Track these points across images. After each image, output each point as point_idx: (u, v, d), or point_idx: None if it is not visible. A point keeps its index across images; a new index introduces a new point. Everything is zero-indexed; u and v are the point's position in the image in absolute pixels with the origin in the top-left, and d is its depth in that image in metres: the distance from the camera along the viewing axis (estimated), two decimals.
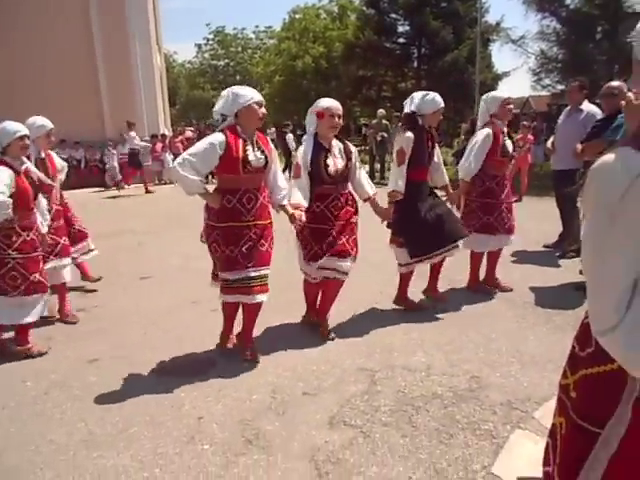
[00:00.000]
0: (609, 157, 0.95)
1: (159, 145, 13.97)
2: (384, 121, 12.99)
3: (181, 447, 2.50)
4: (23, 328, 3.51)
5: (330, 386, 3.01)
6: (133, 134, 12.51)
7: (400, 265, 4.04)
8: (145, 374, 3.24)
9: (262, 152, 3.19)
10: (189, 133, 15.38)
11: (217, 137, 3.07)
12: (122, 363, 3.39)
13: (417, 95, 4.07)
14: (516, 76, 24.25)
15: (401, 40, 26.39)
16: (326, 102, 3.50)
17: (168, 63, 44.32)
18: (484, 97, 4.35)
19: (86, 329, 3.99)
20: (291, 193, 3.39)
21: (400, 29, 26.13)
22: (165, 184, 14.09)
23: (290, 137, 14.55)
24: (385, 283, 4.55)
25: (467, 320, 3.90)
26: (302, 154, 3.45)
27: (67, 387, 3.11)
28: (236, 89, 3.16)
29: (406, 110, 4.02)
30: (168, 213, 9.35)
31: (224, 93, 3.18)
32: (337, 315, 3.89)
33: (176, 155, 14.12)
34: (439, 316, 4.00)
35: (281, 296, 3.94)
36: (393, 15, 25.72)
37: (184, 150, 13.60)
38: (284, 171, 11.14)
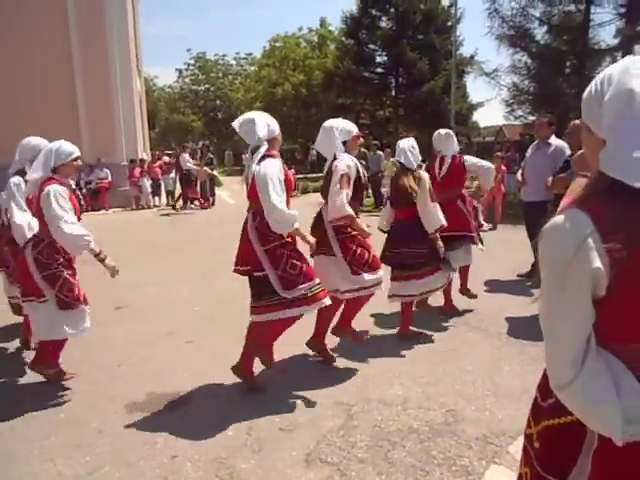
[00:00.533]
0: (559, 218, 1.00)
1: (137, 170, 13.92)
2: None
3: None
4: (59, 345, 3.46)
5: (306, 421, 2.99)
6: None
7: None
8: (118, 409, 3.17)
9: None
10: (166, 158, 15.34)
11: (278, 163, 3.18)
12: (94, 397, 3.32)
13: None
14: (490, 106, 25.05)
15: (379, 70, 27.06)
16: (353, 126, 3.80)
17: (148, 87, 44.48)
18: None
19: (62, 359, 3.88)
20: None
21: (378, 59, 26.81)
22: (142, 209, 13.98)
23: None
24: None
25: (442, 352, 3.93)
26: (350, 168, 3.52)
27: (35, 422, 3.02)
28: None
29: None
30: (144, 239, 9.27)
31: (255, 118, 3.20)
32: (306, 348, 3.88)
33: (154, 180, 14.13)
34: (414, 347, 4.02)
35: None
36: (371, 46, 26.41)
37: (162, 175, 13.63)
38: None
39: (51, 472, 2.58)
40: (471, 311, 4.83)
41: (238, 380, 3.46)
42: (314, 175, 24.31)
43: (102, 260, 3.58)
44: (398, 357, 3.84)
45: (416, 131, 29.06)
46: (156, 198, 14.63)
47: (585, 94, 1.07)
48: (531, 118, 16.37)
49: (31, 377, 3.62)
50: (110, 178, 13.80)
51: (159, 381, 3.53)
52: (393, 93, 26.90)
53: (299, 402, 3.21)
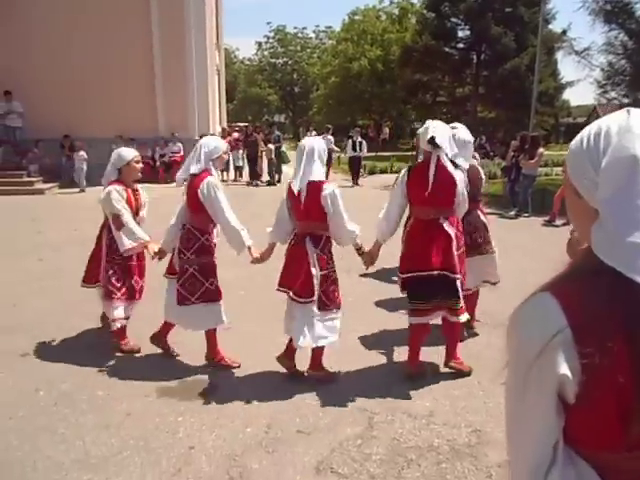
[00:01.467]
0: (532, 305, 0.85)
1: None
2: None
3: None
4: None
5: (326, 425, 2.96)
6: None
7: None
8: (149, 393, 3.30)
9: None
10: (236, 135, 15.66)
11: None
12: (130, 379, 3.47)
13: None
14: (584, 84, 23.16)
15: (460, 45, 25.85)
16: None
17: (229, 59, 45.44)
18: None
19: (104, 340, 4.10)
20: None
21: (460, 34, 25.63)
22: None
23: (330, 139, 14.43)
24: (395, 320, 4.42)
25: (483, 362, 3.73)
26: None
27: (75, 400, 3.21)
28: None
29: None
30: None
31: None
32: (343, 350, 3.79)
33: None
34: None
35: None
36: (454, 19, 25.23)
37: (231, 151, 13.87)
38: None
39: (79, 450, 2.74)
40: None
41: (268, 373, 3.49)
42: (385, 154, 23.86)
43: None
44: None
45: (496, 110, 27.63)
46: (224, 173, 14.99)
47: (573, 146, 0.87)
48: (626, 100, 14.97)
49: (77, 353, 3.85)
50: (182, 152, 14.30)
51: (192, 367, 3.64)
52: (474, 70, 25.62)
53: (322, 405, 3.17)
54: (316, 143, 3.37)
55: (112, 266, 3.82)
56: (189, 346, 3.92)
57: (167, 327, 3.80)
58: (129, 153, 3.97)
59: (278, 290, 3.45)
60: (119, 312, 3.80)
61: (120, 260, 3.84)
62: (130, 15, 13.78)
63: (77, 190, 12.83)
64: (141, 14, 13.85)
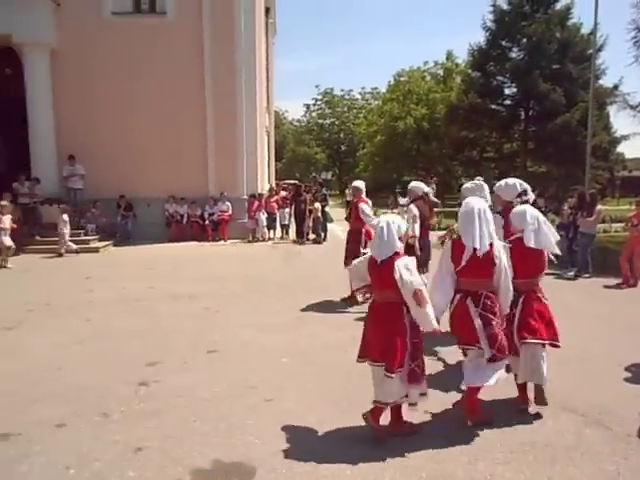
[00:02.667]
0: None
1: (255, 204, 14.56)
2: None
3: None
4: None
5: None
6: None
7: None
8: (182, 476, 3.07)
9: None
10: (283, 193, 15.93)
11: None
12: (165, 456, 3.27)
13: None
14: (637, 138, 22.45)
15: (507, 102, 25.83)
16: None
17: (279, 121, 47.31)
18: None
19: (140, 408, 3.96)
20: None
21: (507, 91, 25.66)
22: (257, 241, 14.53)
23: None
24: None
25: (552, 452, 3.29)
26: None
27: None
28: None
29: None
30: (251, 274, 9.50)
31: None
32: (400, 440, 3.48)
33: (270, 214, 14.67)
34: (513, 445, 3.43)
35: None
36: (500, 77, 25.36)
37: (278, 209, 14.09)
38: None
39: None
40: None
41: (311, 456, 3.20)
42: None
43: None
44: (492, 451, 3.29)
45: (547, 165, 27.04)
46: (271, 231, 15.15)
47: None
48: None
49: (112, 426, 3.70)
50: (230, 211, 14.62)
51: (228, 445, 3.39)
52: (522, 126, 25.41)
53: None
54: (481, 204, 3.53)
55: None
56: (226, 424, 3.70)
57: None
58: None
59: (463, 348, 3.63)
60: None
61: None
62: (185, 82, 14.59)
63: (130, 248, 13.24)
64: (196, 81, 14.64)
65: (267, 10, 21.55)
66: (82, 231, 13.48)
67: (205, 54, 14.58)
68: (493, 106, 25.37)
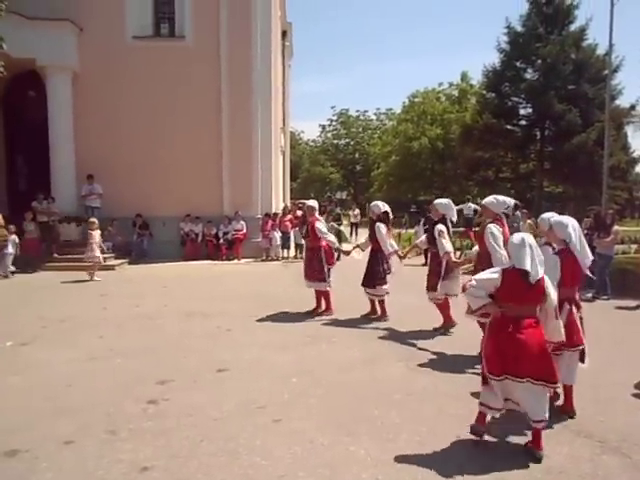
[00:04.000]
0: None
1: (269, 223, 14.64)
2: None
3: None
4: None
5: None
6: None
7: None
8: None
9: None
10: (299, 212, 16.00)
11: None
12: (170, 477, 3.23)
13: None
14: None
15: (522, 122, 25.82)
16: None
17: (295, 141, 47.82)
18: None
19: (149, 426, 3.93)
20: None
21: (522, 112, 25.67)
22: (271, 260, 14.57)
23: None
24: None
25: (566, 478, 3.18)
26: None
27: None
28: None
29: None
30: (262, 293, 9.50)
31: None
32: None
33: (284, 233, 14.71)
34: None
35: None
36: (514, 98, 25.43)
37: (292, 228, 14.15)
38: None
39: None
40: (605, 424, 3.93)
41: (322, 478, 3.14)
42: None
43: None
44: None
45: (564, 185, 26.83)
46: (285, 250, 15.18)
47: None
48: None
49: (119, 444, 3.69)
50: (245, 230, 14.71)
51: (234, 466, 3.34)
52: (538, 146, 25.33)
53: None
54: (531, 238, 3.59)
55: None
56: (233, 444, 3.66)
57: None
58: None
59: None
60: None
61: None
62: (202, 104, 14.86)
63: (145, 266, 13.37)
64: (212, 103, 14.90)
65: (284, 33, 22.00)
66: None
67: (222, 76, 14.88)
68: (508, 126, 25.38)
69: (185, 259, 14.21)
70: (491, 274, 3.58)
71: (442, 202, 6.89)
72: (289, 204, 20.09)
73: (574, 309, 4.07)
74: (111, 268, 13.02)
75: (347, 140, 52.30)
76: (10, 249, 11.83)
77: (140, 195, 14.38)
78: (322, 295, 7.75)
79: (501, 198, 5.55)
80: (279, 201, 18.95)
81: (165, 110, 14.67)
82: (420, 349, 5.96)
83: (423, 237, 7.50)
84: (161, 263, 13.52)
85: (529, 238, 3.52)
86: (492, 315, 3.59)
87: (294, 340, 6.37)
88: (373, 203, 7.87)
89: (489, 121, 23.97)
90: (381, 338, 6.54)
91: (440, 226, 6.58)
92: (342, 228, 15.82)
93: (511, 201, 5.55)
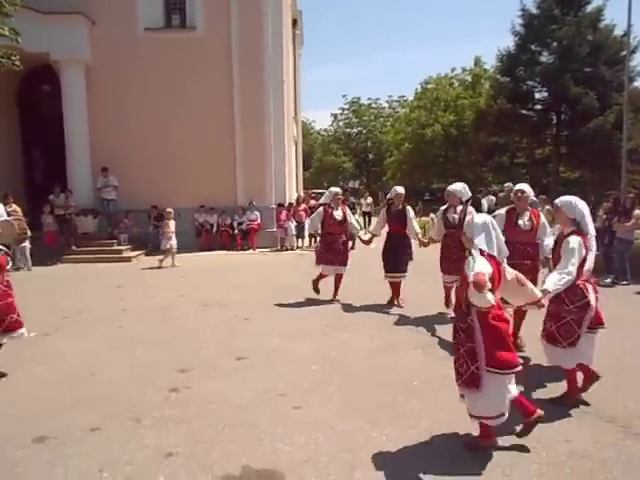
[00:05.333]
0: None
1: (284, 213, 14.66)
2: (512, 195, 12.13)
3: None
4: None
5: None
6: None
7: None
8: None
9: None
10: (313, 202, 16.00)
11: None
12: (194, 462, 3.28)
13: None
14: None
15: (538, 106, 25.36)
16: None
17: (306, 130, 47.64)
18: None
19: (171, 414, 4.00)
20: None
21: (537, 96, 25.20)
22: (286, 250, 14.61)
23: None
24: None
25: (589, 464, 3.17)
26: None
27: None
28: None
29: None
30: (278, 283, 9.54)
31: None
32: None
33: (299, 223, 14.72)
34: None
35: None
36: (530, 82, 24.94)
37: (306, 218, 14.11)
38: None
39: None
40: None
41: (341, 465, 3.17)
42: None
43: None
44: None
45: (581, 170, 26.39)
46: (299, 240, 15.21)
47: None
48: None
49: (143, 432, 3.75)
50: (259, 220, 14.76)
51: (257, 452, 3.39)
52: (554, 130, 24.89)
53: None
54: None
55: None
56: (255, 431, 3.71)
57: None
58: None
59: None
60: None
61: None
62: (214, 94, 14.86)
63: (160, 257, 13.48)
64: (224, 93, 14.89)
65: (294, 22, 21.82)
66: (115, 241, 13.82)
67: (233, 66, 14.85)
68: (523, 111, 24.94)
69: (200, 250, 14.31)
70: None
71: (458, 187, 6.73)
72: (302, 194, 20.07)
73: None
74: (127, 260, 13.18)
75: (359, 128, 51.91)
76: (27, 242, 11.95)
77: (155, 187, 14.47)
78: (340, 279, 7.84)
79: (463, 185, 6.76)
80: (292, 191, 18.94)
81: (178, 101, 14.71)
82: (438, 336, 5.95)
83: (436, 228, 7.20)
84: (177, 254, 13.61)
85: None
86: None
87: (312, 328, 6.40)
88: (399, 188, 7.79)
89: (504, 106, 23.59)
90: (399, 325, 6.55)
91: (472, 209, 6.44)
92: (356, 217, 15.72)
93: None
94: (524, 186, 5.60)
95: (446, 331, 6.11)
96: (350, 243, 14.39)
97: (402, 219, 7.40)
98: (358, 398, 4.23)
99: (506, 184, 12.78)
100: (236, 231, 14.74)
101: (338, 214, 7.83)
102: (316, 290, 7.93)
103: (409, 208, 7.49)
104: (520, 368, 3.25)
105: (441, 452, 3.34)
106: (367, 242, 7.99)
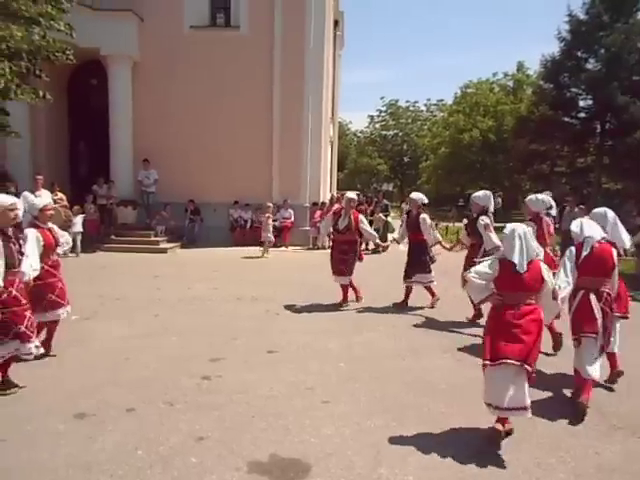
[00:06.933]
0: None
1: (318, 212, 14.76)
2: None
3: None
4: None
5: None
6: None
7: None
8: (240, 466, 3.18)
9: None
10: (336, 206, 16.04)
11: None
12: (225, 447, 3.40)
13: None
14: None
15: (581, 114, 24.70)
16: None
17: (342, 131, 47.73)
18: None
19: (203, 400, 4.14)
20: None
21: (581, 103, 24.54)
22: (318, 249, 14.70)
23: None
24: None
25: (619, 479, 3.13)
26: None
27: (169, 465, 3.19)
28: None
29: None
30: (309, 281, 9.62)
31: None
32: None
33: None
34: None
35: None
36: (574, 89, 24.31)
37: (320, 218, 14.05)
38: None
39: None
40: None
41: (367, 461, 3.23)
42: (497, 224, 22.88)
43: None
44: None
45: (623, 182, 25.56)
46: (327, 239, 15.26)
47: None
48: None
49: (177, 414, 3.90)
50: (293, 218, 14.91)
51: (285, 442, 3.49)
52: (597, 140, 24.20)
53: None
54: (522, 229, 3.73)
55: None
56: (283, 422, 3.80)
57: None
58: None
59: None
60: None
61: None
62: (254, 93, 15.09)
63: (195, 250, 13.81)
64: (264, 92, 15.10)
65: (335, 23, 21.90)
66: (152, 232, 14.21)
67: (274, 65, 15.04)
68: (566, 118, 24.35)
69: (234, 245, 14.56)
70: (488, 267, 3.65)
71: (480, 195, 6.91)
72: (335, 194, 20.13)
73: (591, 297, 4.15)
74: (163, 251, 13.53)
75: (395, 131, 51.68)
76: (80, 228, 12.47)
77: (192, 181, 14.80)
78: (348, 287, 7.77)
79: (489, 193, 6.84)
80: (326, 191, 19.03)
81: (218, 98, 15.00)
82: (469, 342, 5.92)
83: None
84: (211, 248, 13.91)
85: (520, 228, 3.59)
86: (492, 304, 3.67)
87: (341, 327, 6.47)
88: (415, 195, 7.87)
89: (546, 113, 23.09)
90: (426, 328, 6.55)
91: (484, 218, 6.53)
92: (390, 219, 15.74)
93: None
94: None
95: (473, 334, 6.10)
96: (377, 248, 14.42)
97: (418, 226, 7.47)
98: (384, 396, 4.28)
99: (544, 193, 12.48)
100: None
101: (342, 222, 7.52)
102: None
103: (423, 216, 7.46)
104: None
105: (469, 456, 3.35)
106: (384, 248, 8.91)
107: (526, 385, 3.41)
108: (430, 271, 7.53)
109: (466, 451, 3.40)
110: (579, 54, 23.62)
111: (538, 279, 3.54)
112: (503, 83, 34.97)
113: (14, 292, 4.08)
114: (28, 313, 4.20)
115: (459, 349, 5.63)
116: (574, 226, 4.34)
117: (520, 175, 29.84)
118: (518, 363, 3.35)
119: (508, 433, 3.46)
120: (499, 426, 3.41)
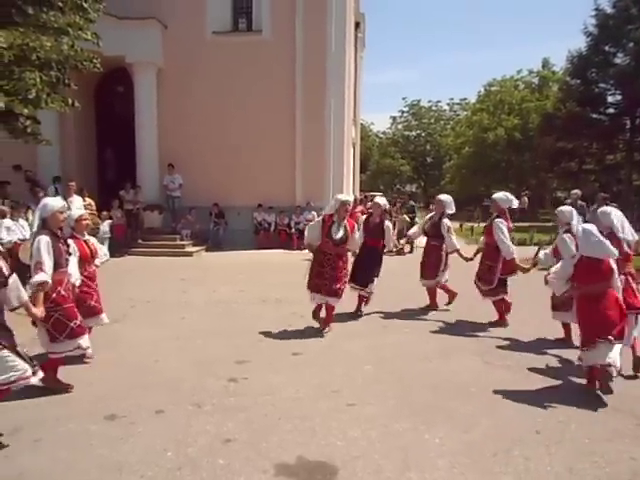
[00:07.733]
0: None
1: None
2: (579, 202, 11.65)
3: None
4: None
5: None
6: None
7: None
8: (268, 469, 3.19)
9: None
10: (370, 204, 16.00)
11: None
12: (252, 449, 3.42)
13: None
14: None
15: (610, 110, 24.13)
16: None
17: (365, 133, 47.61)
18: None
19: (230, 402, 4.17)
20: None
21: (610, 99, 24.01)
22: None
23: None
24: None
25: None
26: None
27: (197, 466, 3.22)
28: None
29: None
30: None
31: None
32: None
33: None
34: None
35: None
36: (602, 85, 23.80)
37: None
38: None
39: None
40: None
41: (395, 465, 3.20)
42: (524, 224, 22.45)
43: None
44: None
45: None
46: None
47: None
48: None
49: (205, 417, 3.93)
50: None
51: (311, 444, 3.48)
52: (627, 136, 23.61)
53: None
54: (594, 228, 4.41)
55: None
56: (310, 424, 3.80)
57: None
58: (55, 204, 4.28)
59: None
60: None
61: None
62: (277, 96, 15.19)
63: (220, 253, 13.93)
64: (287, 95, 15.19)
65: (357, 25, 21.89)
66: (178, 236, 14.42)
67: (296, 69, 15.12)
68: (594, 115, 23.85)
69: (258, 248, 14.66)
70: (566, 267, 4.41)
71: (502, 196, 6.79)
72: (358, 195, 20.09)
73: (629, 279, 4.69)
74: (189, 255, 13.71)
75: (418, 132, 51.30)
76: (108, 233, 12.68)
77: (216, 185, 14.97)
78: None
79: (510, 195, 6.73)
80: (349, 193, 19.00)
81: (241, 102, 15.14)
82: (498, 345, 5.82)
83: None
84: (236, 251, 14.03)
85: (593, 228, 4.24)
86: (576, 296, 4.40)
87: (367, 329, 6.45)
88: (443, 197, 7.71)
89: (573, 109, 22.64)
90: (453, 329, 6.47)
91: (498, 221, 6.46)
92: (417, 220, 15.56)
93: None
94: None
95: (503, 337, 6.00)
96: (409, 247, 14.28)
97: (439, 230, 7.41)
98: (412, 399, 4.24)
99: (573, 191, 12.24)
100: (293, 230, 14.98)
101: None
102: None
103: (444, 221, 7.35)
104: None
105: (497, 460, 3.29)
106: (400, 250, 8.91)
107: None
108: (444, 270, 7.46)
109: (496, 455, 3.34)
110: (607, 49, 23.12)
111: (610, 269, 4.24)
112: (528, 80, 34.36)
113: (62, 291, 4.22)
114: (76, 310, 4.37)
115: (488, 351, 5.54)
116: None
117: (547, 174, 29.31)
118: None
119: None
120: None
